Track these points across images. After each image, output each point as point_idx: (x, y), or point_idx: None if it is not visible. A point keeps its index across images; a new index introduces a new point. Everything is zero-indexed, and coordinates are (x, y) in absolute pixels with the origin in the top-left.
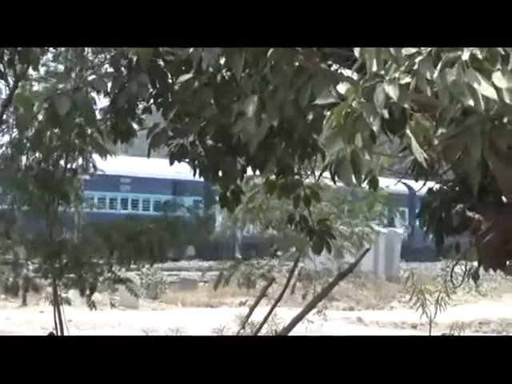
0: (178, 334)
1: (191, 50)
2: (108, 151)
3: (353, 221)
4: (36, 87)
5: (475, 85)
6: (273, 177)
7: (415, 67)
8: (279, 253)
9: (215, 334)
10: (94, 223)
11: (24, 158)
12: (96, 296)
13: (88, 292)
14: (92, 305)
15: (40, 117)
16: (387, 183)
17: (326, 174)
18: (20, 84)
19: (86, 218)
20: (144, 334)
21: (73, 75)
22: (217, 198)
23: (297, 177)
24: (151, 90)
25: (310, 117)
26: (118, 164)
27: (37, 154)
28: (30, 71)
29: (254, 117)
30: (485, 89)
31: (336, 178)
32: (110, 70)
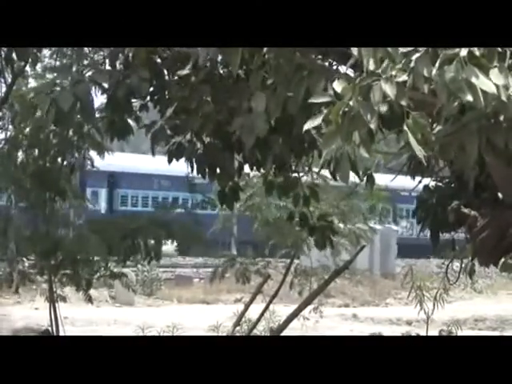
0: (175, 331)
1: None
2: (105, 148)
3: (350, 218)
4: (33, 84)
5: (474, 80)
6: (271, 176)
7: (412, 65)
8: (276, 249)
9: (212, 331)
10: (91, 220)
11: (20, 155)
12: (92, 293)
13: (84, 288)
14: (89, 299)
15: (38, 113)
16: (382, 180)
17: (326, 171)
18: (17, 81)
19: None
20: (140, 331)
21: (73, 69)
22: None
23: (295, 174)
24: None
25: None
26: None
27: (34, 151)
28: (28, 68)
29: (263, 113)
30: (483, 83)
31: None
32: (108, 67)
